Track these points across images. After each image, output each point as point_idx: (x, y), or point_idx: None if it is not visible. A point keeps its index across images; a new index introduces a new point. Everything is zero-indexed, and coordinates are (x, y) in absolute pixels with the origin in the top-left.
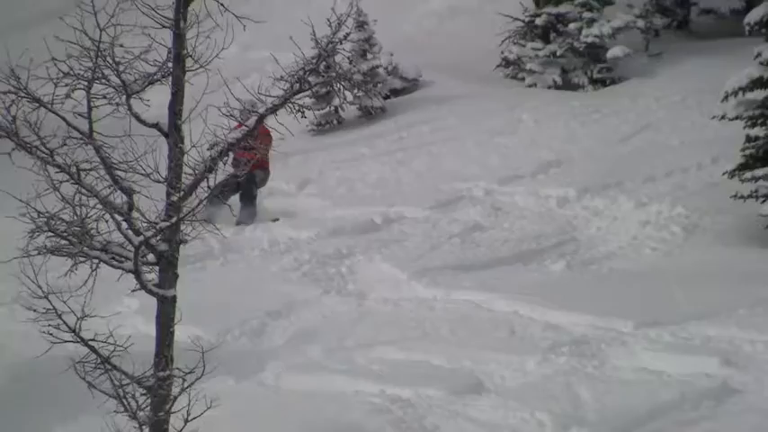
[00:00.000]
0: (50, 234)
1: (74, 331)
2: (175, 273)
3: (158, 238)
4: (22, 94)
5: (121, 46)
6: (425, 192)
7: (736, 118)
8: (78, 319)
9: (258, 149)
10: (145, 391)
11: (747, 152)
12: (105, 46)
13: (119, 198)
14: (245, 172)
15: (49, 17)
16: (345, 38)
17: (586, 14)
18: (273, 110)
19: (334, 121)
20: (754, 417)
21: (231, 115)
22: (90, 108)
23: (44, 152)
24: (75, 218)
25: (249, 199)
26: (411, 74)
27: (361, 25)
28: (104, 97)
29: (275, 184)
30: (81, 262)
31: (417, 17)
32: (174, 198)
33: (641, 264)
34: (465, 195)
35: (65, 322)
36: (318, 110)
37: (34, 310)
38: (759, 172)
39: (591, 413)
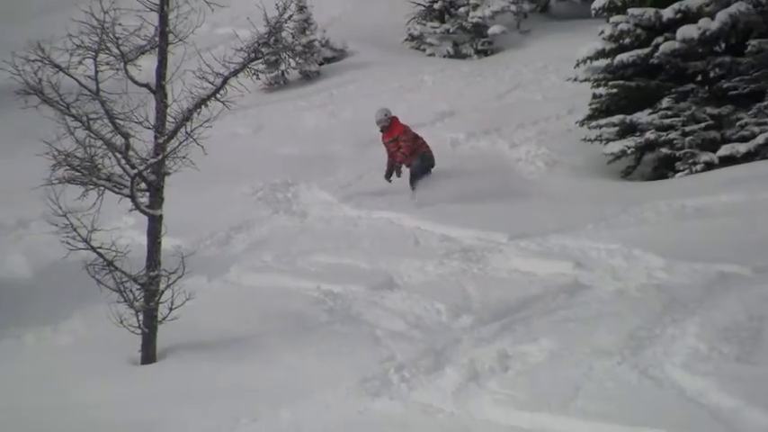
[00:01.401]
0: (68, 167)
1: (86, 241)
2: (161, 197)
3: (149, 170)
4: (47, 62)
5: (120, 25)
6: (350, 135)
7: (586, 80)
8: (89, 231)
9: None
10: (139, 287)
11: (593, 106)
12: (108, 25)
13: (119, 140)
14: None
15: (67, 4)
16: (289, 18)
17: (472, 1)
18: (235, 73)
19: (281, 82)
20: (597, 305)
21: (204, 77)
22: (96, 72)
23: (62, 105)
24: (86, 155)
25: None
26: (339, 46)
27: (301, 9)
28: (107, 64)
29: (236, 129)
30: (90, 189)
31: (345, 2)
32: (161, 140)
33: (514, 190)
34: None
35: (79, 234)
36: (269, 73)
37: (56, 225)
38: (602, 121)
39: (476, 303)
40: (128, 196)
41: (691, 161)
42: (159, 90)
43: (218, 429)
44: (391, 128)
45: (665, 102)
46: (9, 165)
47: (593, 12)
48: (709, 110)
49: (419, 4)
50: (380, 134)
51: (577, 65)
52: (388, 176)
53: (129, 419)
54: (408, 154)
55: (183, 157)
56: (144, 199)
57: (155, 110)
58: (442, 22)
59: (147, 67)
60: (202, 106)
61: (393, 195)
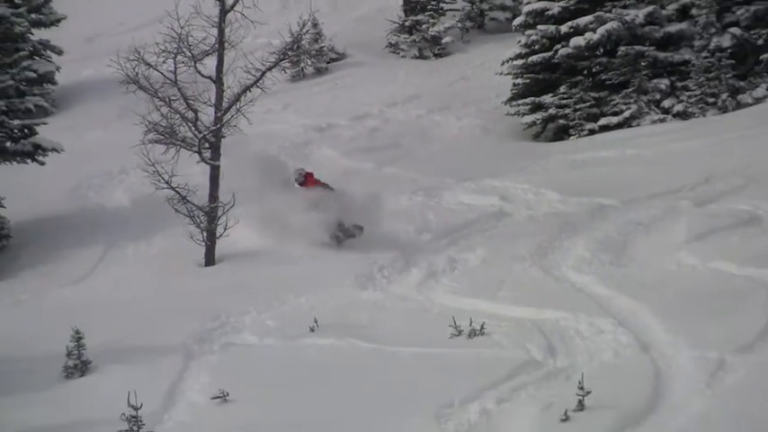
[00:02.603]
0: (155, 133)
1: (167, 183)
2: (219, 152)
3: (210, 135)
4: (141, 61)
5: (191, 36)
6: (348, 111)
7: (509, 74)
8: (169, 176)
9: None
10: (204, 214)
11: (513, 92)
12: (183, 36)
13: (190, 114)
14: None
15: (154, 20)
16: (306, 32)
17: (431, 20)
18: (269, 69)
19: (301, 75)
20: (515, 226)
21: (248, 72)
22: (175, 67)
23: (152, 91)
24: (168, 125)
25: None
26: (341, 50)
27: (314, 25)
28: (182, 63)
29: (270, 107)
30: (170, 147)
31: (345, 21)
32: (219, 114)
33: (460, 149)
34: (369, 113)
35: (162, 178)
36: (293, 69)
37: (147, 172)
38: (519, 102)
39: (434, 225)
40: (196, 152)
41: (579, 129)
42: (218, 80)
43: (257, 310)
44: (306, 182)
45: (562, 88)
46: (114, 132)
47: (514, 27)
48: (592, 94)
49: (395, 23)
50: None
51: (503, 63)
52: None
53: (197, 305)
54: None
55: (234, 126)
56: (207, 154)
57: (215, 93)
58: (411, 34)
59: (209, 64)
60: (247, 91)
61: (378, 152)
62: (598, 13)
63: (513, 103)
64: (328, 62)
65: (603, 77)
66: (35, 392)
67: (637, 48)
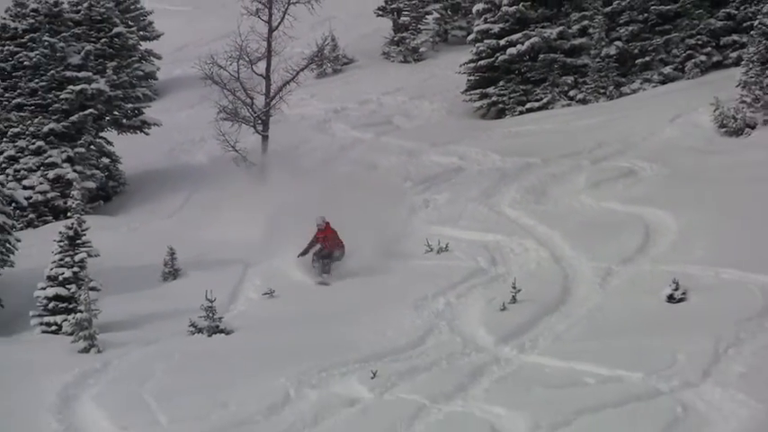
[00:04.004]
0: (224, 112)
1: (233, 146)
2: (268, 126)
3: (262, 114)
4: (215, 64)
5: (249, 46)
6: (355, 98)
7: (465, 73)
8: (234, 142)
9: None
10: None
11: (467, 85)
12: (243, 45)
13: (248, 100)
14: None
15: (223, 36)
16: (327, 44)
17: (412, 36)
18: (302, 69)
19: (323, 74)
20: (469, 177)
21: (287, 71)
22: (238, 68)
23: (222, 84)
24: (233, 107)
25: (324, 265)
26: (351, 56)
27: (332, 39)
28: (243, 65)
29: (302, 96)
30: (235, 123)
31: (353, 36)
32: (267, 101)
33: (431, 124)
34: (369, 100)
35: (229, 143)
36: (318, 70)
37: (218, 139)
38: (472, 92)
39: (414, 177)
40: (252, 126)
41: (512, 110)
42: (267, 77)
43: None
44: (325, 230)
45: (501, 83)
46: (196, 112)
47: (468, 41)
48: (521, 87)
49: (387, 38)
50: (317, 230)
51: (461, 66)
52: (302, 254)
53: (254, 231)
54: (330, 247)
55: (278, 108)
56: (260, 127)
57: (265, 86)
58: (398, 45)
59: (261, 66)
60: (287, 85)
61: (377, 126)
62: (525, 32)
63: (468, 93)
64: (342, 65)
65: (529, 75)
66: (142, 290)
67: (552, 55)
